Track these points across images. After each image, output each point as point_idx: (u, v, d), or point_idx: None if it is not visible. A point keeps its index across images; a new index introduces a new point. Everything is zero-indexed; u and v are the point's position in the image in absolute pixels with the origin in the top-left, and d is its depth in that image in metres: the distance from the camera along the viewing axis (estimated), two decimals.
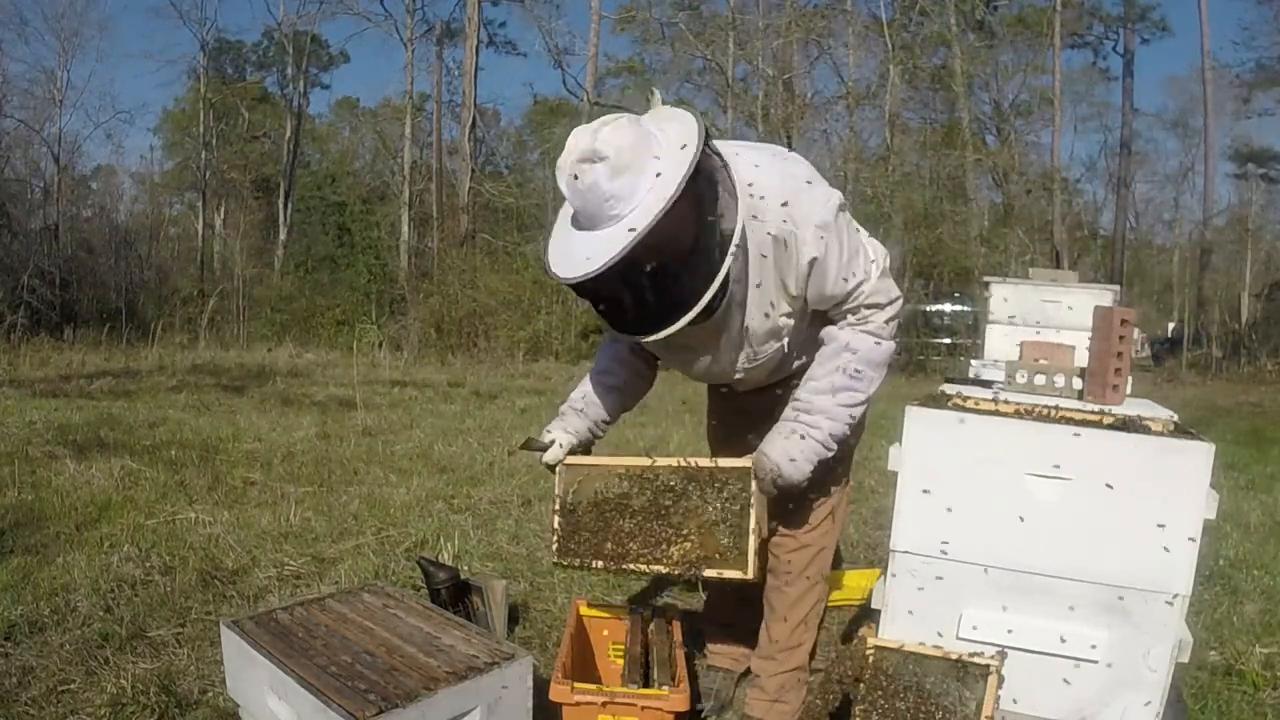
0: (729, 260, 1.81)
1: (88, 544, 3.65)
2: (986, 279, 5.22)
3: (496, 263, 19.47)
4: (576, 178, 1.74)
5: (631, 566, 2.08)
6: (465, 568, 3.52)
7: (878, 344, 2.08)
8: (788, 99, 20.26)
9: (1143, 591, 1.77)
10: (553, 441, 2.22)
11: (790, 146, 19.12)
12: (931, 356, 17.34)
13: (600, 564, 2.10)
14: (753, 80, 21.14)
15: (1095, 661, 1.82)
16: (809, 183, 1.97)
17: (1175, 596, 1.76)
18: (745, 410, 2.38)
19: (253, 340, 18.01)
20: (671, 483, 2.08)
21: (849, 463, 2.39)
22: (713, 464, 2.06)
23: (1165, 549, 1.75)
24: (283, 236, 26.25)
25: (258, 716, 1.84)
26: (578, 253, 1.76)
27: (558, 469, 2.22)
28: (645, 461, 2.11)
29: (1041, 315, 4.81)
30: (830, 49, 21.19)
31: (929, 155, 20.80)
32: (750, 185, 1.89)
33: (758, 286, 1.99)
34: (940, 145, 21.11)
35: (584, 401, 2.29)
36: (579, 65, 23.47)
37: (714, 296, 1.83)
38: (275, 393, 9.06)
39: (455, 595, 2.77)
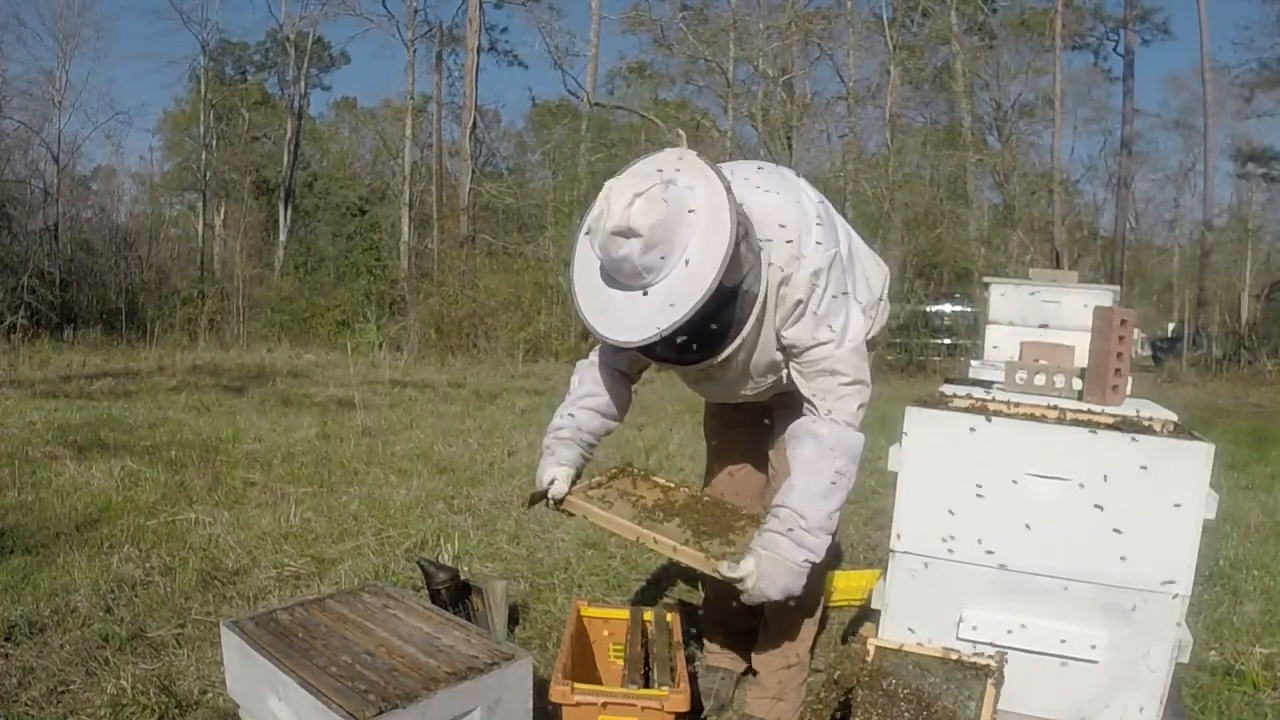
0: (753, 318, 1.91)
1: (88, 544, 3.65)
2: (986, 279, 5.22)
3: (496, 263, 19.48)
4: (609, 247, 1.80)
5: None
6: (465, 568, 3.52)
7: (852, 435, 2.02)
8: (788, 99, 20.26)
9: (1143, 592, 1.77)
10: (553, 480, 2.22)
11: (790, 147, 19.27)
12: (931, 357, 17.34)
13: None
14: (753, 81, 21.16)
15: (1095, 661, 1.82)
16: (818, 224, 1.99)
17: (1175, 597, 1.76)
18: (741, 417, 2.44)
19: (252, 341, 18.01)
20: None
21: None
22: (707, 561, 2.00)
23: (1165, 549, 1.75)
24: (283, 237, 26.27)
25: (258, 717, 1.84)
26: (618, 316, 1.86)
27: (561, 507, 2.23)
28: (643, 533, 2.09)
29: (1041, 315, 4.80)
30: (830, 50, 21.21)
31: (930, 155, 20.80)
32: (758, 223, 1.93)
33: (762, 325, 2.01)
34: (941, 145, 21.12)
35: (573, 430, 2.28)
36: (580, 66, 23.51)
37: (737, 347, 1.94)
38: (275, 393, 9.06)
39: (455, 596, 2.76)
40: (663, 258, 1.79)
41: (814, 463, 1.98)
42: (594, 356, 2.34)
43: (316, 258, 24.88)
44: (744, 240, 1.85)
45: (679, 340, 1.85)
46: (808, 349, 2.00)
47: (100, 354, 13.25)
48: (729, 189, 1.83)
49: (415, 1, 24.72)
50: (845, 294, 2.03)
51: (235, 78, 29.84)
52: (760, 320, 1.97)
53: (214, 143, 27.44)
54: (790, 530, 1.94)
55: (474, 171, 22.34)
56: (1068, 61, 25.20)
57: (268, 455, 5.67)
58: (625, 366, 2.31)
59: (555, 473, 2.21)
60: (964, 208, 20.31)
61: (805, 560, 1.96)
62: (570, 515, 2.25)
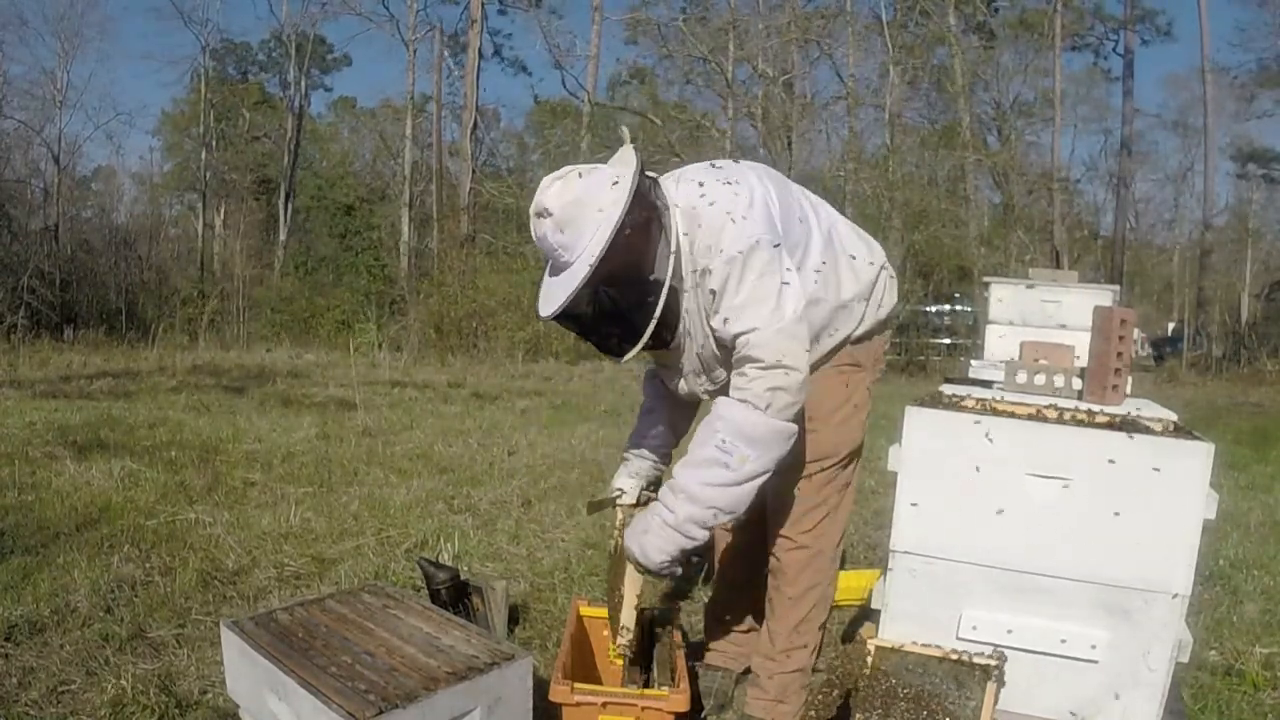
0: (661, 300, 1.93)
1: (88, 544, 3.65)
2: (986, 279, 5.22)
3: (496, 263, 19.49)
4: (533, 228, 1.95)
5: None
6: (465, 568, 3.52)
7: (751, 414, 1.91)
8: (787, 99, 20.27)
9: (1143, 591, 1.77)
10: (619, 490, 2.32)
11: (790, 146, 19.27)
12: (931, 357, 17.37)
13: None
14: (753, 81, 21.16)
15: (1095, 661, 1.82)
16: (743, 217, 1.96)
17: (1175, 596, 1.76)
18: None
19: (253, 341, 18.01)
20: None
21: (851, 464, 2.36)
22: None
23: (1165, 549, 1.75)
24: (283, 237, 26.29)
25: (258, 717, 1.84)
26: (546, 293, 1.98)
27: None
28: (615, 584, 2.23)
29: (1041, 315, 4.80)
30: (830, 49, 21.21)
31: (928, 155, 20.82)
32: (689, 217, 1.99)
33: (699, 317, 2.05)
34: (940, 145, 21.14)
35: (636, 447, 2.36)
36: (580, 66, 23.55)
37: (656, 330, 1.96)
38: (275, 393, 9.06)
39: (455, 596, 2.76)
40: (575, 238, 1.88)
41: (700, 434, 1.99)
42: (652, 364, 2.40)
43: (316, 258, 24.89)
44: (655, 218, 1.93)
45: (593, 323, 1.97)
46: (733, 338, 1.97)
47: (100, 354, 13.26)
48: (638, 177, 1.90)
49: (416, 2, 24.74)
50: (774, 277, 1.94)
51: (236, 78, 29.85)
52: (677, 310, 2.02)
53: (214, 143, 27.45)
54: (662, 496, 2.03)
55: (474, 171, 22.36)
56: (1068, 61, 25.27)
57: (268, 455, 5.66)
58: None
59: (624, 484, 2.32)
60: (963, 207, 20.32)
61: (664, 522, 1.98)
62: None
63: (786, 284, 1.95)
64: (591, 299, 1.91)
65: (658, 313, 1.94)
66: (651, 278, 1.93)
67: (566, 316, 1.94)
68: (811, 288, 2.09)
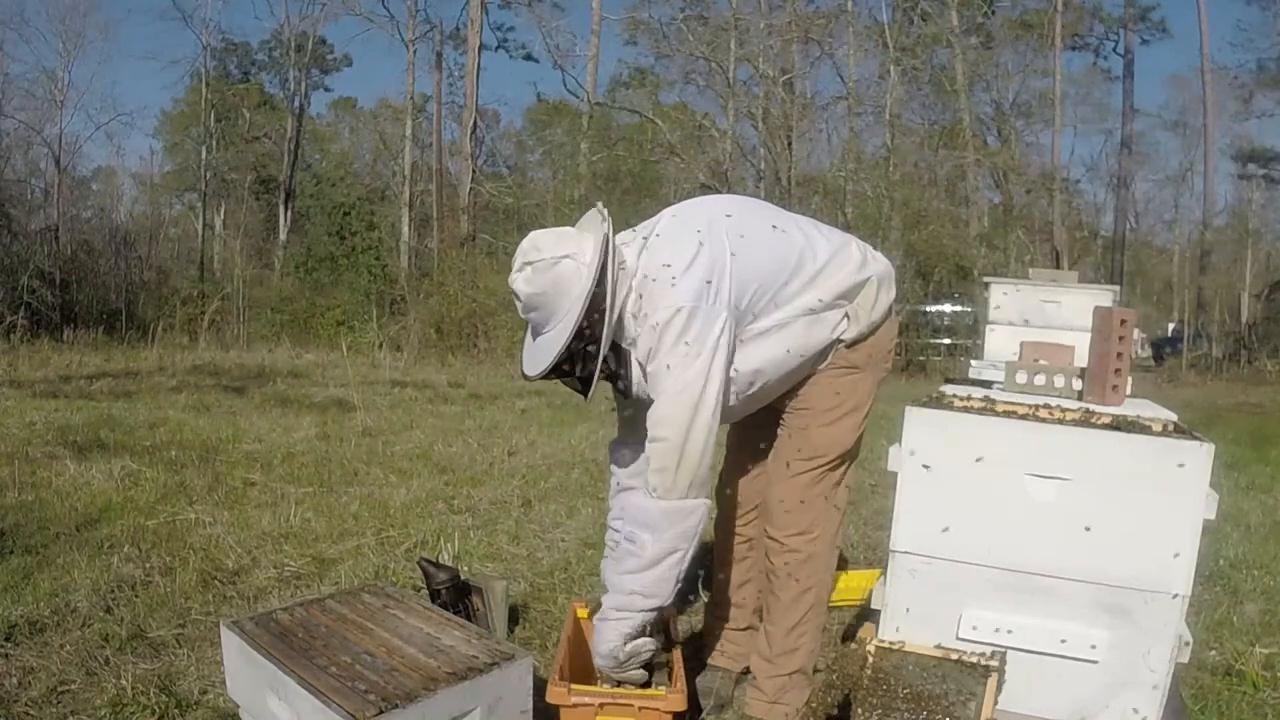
0: (598, 365, 2.03)
1: (88, 544, 3.65)
2: (986, 279, 5.23)
3: (496, 263, 19.46)
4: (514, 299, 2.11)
5: None
6: (465, 568, 3.51)
7: (641, 500, 2.04)
8: (788, 99, 20.26)
9: (1143, 591, 1.77)
10: None
11: (790, 146, 19.25)
12: (931, 357, 17.37)
13: None
14: (753, 81, 21.16)
15: (1095, 661, 1.82)
16: (677, 282, 2.01)
17: (1175, 596, 1.76)
18: (755, 418, 2.42)
19: (253, 341, 18.00)
20: None
21: (842, 466, 2.35)
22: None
23: (1165, 549, 1.75)
24: (283, 237, 26.27)
25: (258, 717, 1.84)
26: (526, 353, 2.16)
27: None
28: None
29: (1041, 316, 4.81)
30: (830, 50, 21.21)
31: (929, 155, 20.82)
32: (639, 285, 2.07)
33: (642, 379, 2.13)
34: (940, 145, 21.15)
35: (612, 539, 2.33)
36: (580, 66, 23.55)
37: (609, 379, 2.12)
38: (275, 393, 9.06)
39: (455, 596, 2.77)
40: (548, 317, 2.05)
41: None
42: (617, 432, 2.39)
43: (316, 258, 24.88)
44: (602, 303, 2.01)
45: (560, 375, 2.10)
46: (650, 401, 2.06)
47: (100, 354, 13.24)
48: (603, 269, 1.99)
49: (415, 1, 24.74)
50: (685, 346, 1.98)
51: (237, 78, 29.85)
52: (624, 361, 2.11)
53: (214, 143, 27.44)
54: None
55: (474, 171, 22.34)
56: (1068, 62, 25.26)
57: (268, 455, 5.66)
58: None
59: None
60: (963, 207, 20.33)
61: (599, 618, 2.15)
62: None
63: (699, 355, 1.97)
64: (558, 369, 2.08)
65: (597, 370, 2.04)
66: (595, 342, 2.04)
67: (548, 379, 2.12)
68: (763, 342, 2.13)
